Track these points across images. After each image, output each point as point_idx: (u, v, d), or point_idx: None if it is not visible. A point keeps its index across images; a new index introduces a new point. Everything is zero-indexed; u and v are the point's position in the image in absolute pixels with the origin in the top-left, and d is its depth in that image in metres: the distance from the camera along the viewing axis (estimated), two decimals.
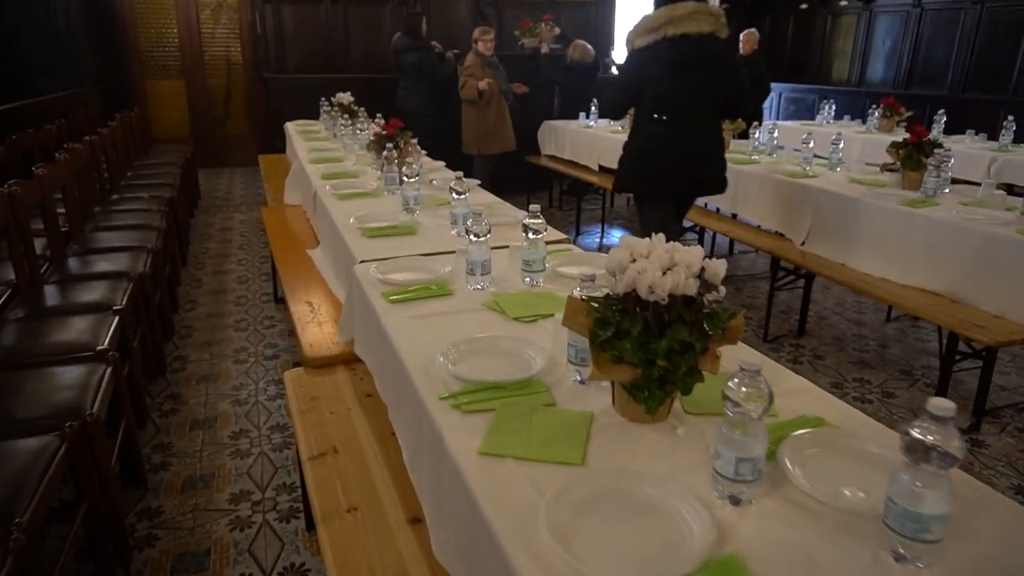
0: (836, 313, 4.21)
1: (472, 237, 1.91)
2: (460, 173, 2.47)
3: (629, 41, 3.28)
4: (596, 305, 1.26)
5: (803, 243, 3.70)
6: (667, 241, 1.17)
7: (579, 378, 1.42)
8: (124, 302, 2.79)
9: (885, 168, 3.62)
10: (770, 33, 11.19)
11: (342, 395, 2.06)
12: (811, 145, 4.06)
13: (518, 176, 7.37)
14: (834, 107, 6.77)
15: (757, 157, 4.44)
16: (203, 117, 8.77)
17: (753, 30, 7.59)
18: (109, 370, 2.25)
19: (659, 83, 3.19)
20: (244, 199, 7.16)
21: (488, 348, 1.55)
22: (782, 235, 4.05)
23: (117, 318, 2.63)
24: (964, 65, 8.28)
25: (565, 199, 7.23)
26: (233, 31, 8.67)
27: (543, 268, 1.98)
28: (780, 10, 11.02)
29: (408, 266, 2.15)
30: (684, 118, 3.23)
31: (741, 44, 7.48)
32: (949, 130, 5.98)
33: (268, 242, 3.93)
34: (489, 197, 3.04)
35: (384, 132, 3.34)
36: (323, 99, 6.23)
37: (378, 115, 4.70)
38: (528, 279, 1.98)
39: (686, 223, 4.52)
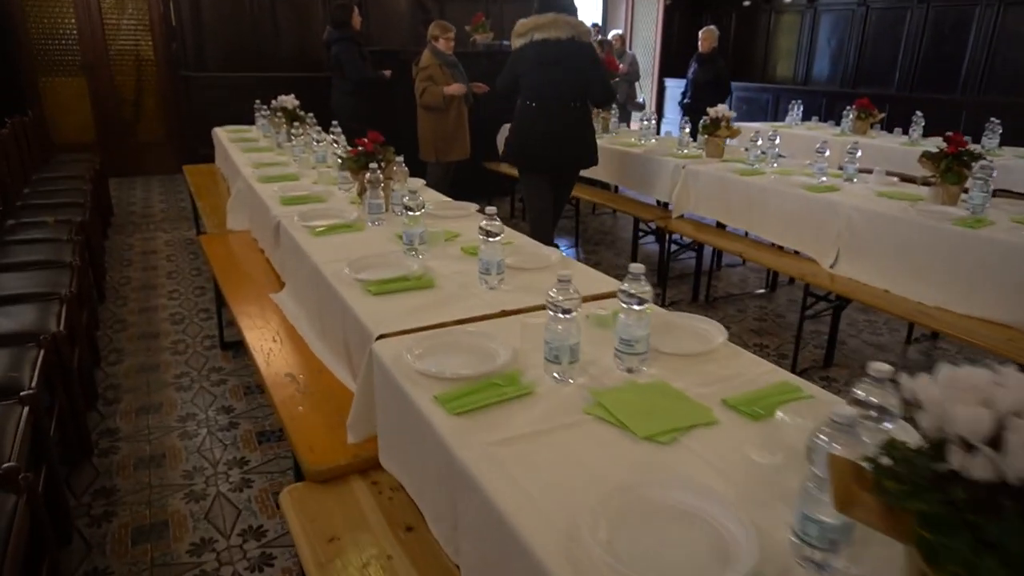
0: (852, 336, 3.89)
1: (558, 313, 1.38)
2: (493, 209, 1.93)
3: (511, 40, 4.00)
4: (898, 483, 0.76)
5: (832, 265, 3.34)
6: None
7: (821, 567, 0.91)
8: (34, 383, 2.11)
9: (923, 182, 3.30)
10: None
11: (371, 529, 1.49)
12: (827, 154, 3.71)
13: (475, 182, 6.85)
14: (801, 108, 6.55)
15: (760, 166, 4.06)
16: (111, 120, 7.78)
17: (712, 27, 7.28)
18: (22, 502, 1.59)
19: (529, 76, 3.90)
20: (166, 215, 6.31)
21: (648, 507, 1.03)
22: (781, 248, 3.75)
23: (27, 409, 1.95)
24: (911, 64, 8.29)
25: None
26: (142, 23, 7.71)
27: (646, 350, 1.47)
28: (721, 7, 10.88)
29: (451, 344, 1.59)
30: (551, 104, 3.91)
31: (700, 42, 7.16)
32: (906, 130, 5.83)
33: (214, 278, 3.25)
34: (512, 233, 2.49)
35: (363, 148, 2.73)
36: (257, 102, 5.50)
37: (334, 123, 4.06)
38: (626, 366, 1.46)
39: (649, 225, 4.19)
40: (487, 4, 8.58)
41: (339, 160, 3.11)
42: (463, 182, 6.02)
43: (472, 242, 2.22)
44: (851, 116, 5.88)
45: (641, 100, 9.27)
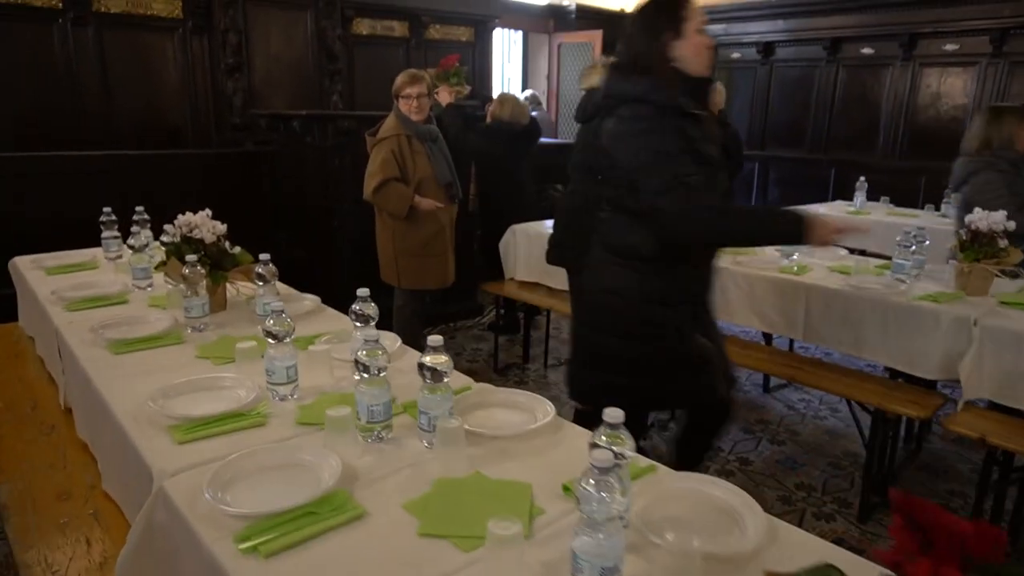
0: None
1: None
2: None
3: None
4: None
5: None
6: None
7: None
8: None
9: None
10: None
11: None
12: None
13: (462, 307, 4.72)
14: (867, 186, 5.08)
15: None
16: None
17: (717, 84, 5.70)
18: None
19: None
20: None
21: None
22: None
23: None
24: (897, 128, 7.32)
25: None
26: None
27: None
28: None
29: None
30: None
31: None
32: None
33: None
34: None
35: None
36: (107, 210, 2.97)
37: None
38: None
39: None
40: (410, 50, 6.48)
41: None
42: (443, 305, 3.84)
43: None
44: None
45: None
